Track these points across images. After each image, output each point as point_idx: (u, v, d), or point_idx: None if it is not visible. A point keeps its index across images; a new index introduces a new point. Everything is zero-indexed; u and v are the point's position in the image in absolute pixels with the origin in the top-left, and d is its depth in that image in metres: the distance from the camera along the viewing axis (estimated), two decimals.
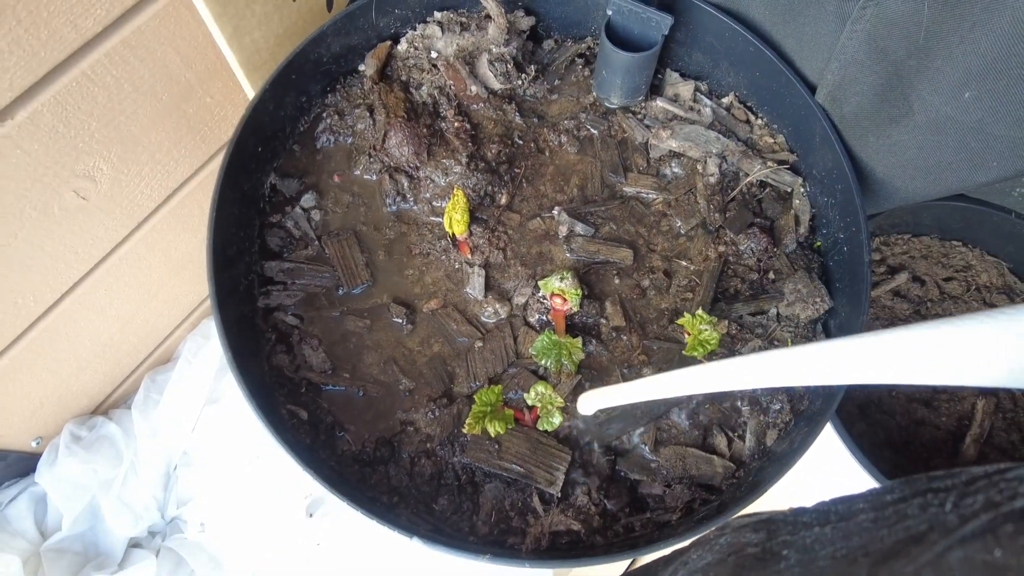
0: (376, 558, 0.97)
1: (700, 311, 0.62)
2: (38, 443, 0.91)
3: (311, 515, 0.99)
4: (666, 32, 0.69)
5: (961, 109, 0.54)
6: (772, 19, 0.69)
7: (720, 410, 0.63)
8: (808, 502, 0.34)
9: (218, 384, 1.00)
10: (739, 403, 0.63)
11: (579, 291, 0.64)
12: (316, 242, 0.70)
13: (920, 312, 0.85)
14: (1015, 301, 0.85)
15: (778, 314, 0.66)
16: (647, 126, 0.76)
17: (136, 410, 0.98)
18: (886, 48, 0.55)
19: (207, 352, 1.01)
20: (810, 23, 0.64)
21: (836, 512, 0.29)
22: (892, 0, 0.52)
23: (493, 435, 0.59)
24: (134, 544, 0.98)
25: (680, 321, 0.64)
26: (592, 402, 0.58)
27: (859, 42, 0.57)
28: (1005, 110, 0.52)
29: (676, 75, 0.79)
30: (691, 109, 0.77)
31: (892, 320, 0.85)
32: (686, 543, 0.42)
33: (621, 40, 0.72)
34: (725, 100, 0.78)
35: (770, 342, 0.65)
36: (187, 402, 0.98)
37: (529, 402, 0.61)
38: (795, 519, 0.31)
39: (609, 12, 0.71)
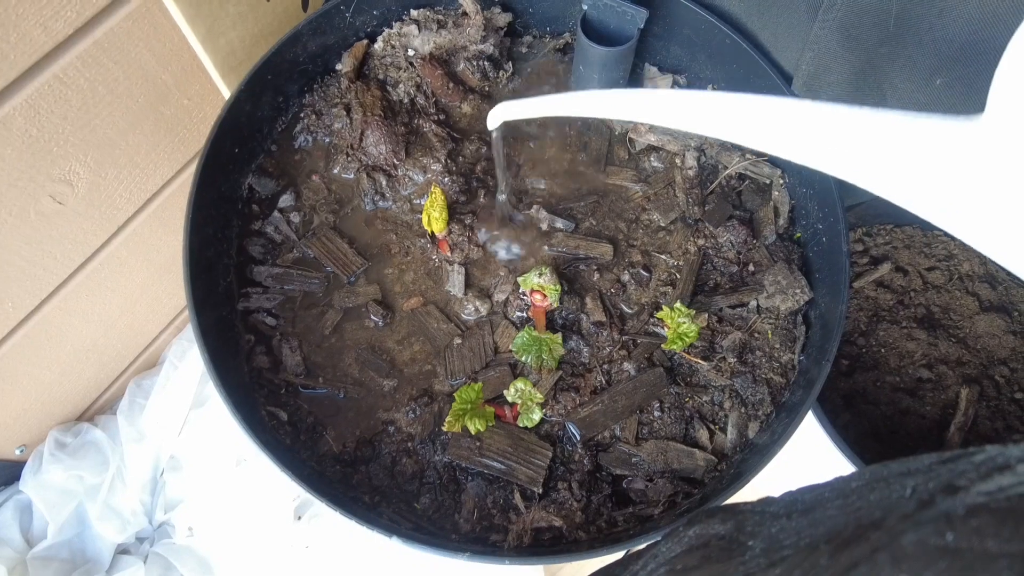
0: (365, 559, 0.97)
1: (678, 304, 0.62)
2: (22, 451, 0.91)
3: (299, 517, 0.99)
4: (642, 26, 0.69)
5: (933, 96, 0.54)
6: (747, 11, 0.69)
7: (702, 403, 0.63)
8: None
9: (204, 388, 1.00)
10: (720, 396, 0.63)
11: (558, 287, 0.64)
12: (299, 243, 0.70)
13: (903, 302, 0.86)
14: (996, 289, 0.85)
15: (758, 306, 0.66)
16: (627, 120, 0.76)
17: (122, 415, 0.97)
18: (858, 36, 0.55)
19: (192, 356, 1.00)
20: (784, 14, 0.64)
21: (802, 502, 0.29)
22: None
23: (474, 432, 0.59)
24: (122, 550, 0.98)
25: (659, 315, 0.64)
26: (501, 114, 0.56)
27: (831, 31, 0.57)
28: (976, 95, 0.52)
29: (654, 69, 0.79)
30: None
31: (876, 311, 0.85)
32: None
33: (597, 35, 0.72)
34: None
35: (750, 335, 0.64)
36: (173, 406, 0.98)
37: (509, 399, 0.61)
38: (762, 510, 0.30)
39: (585, 7, 0.71)
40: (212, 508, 0.97)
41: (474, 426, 0.59)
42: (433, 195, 0.66)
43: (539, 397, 0.60)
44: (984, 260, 0.87)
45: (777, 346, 0.64)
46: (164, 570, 0.97)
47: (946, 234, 0.89)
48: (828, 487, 0.29)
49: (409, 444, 0.62)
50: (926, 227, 0.90)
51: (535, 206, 0.72)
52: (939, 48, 0.51)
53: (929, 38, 0.51)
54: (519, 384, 0.60)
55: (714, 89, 0.78)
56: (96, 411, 1.00)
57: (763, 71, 0.70)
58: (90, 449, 0.96)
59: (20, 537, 0.91)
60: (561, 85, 0.80)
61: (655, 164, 0.74)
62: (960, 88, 0.52)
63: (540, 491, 0.58)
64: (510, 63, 0.79)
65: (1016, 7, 0.44)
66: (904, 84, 0.55)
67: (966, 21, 0.48)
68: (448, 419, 0.58)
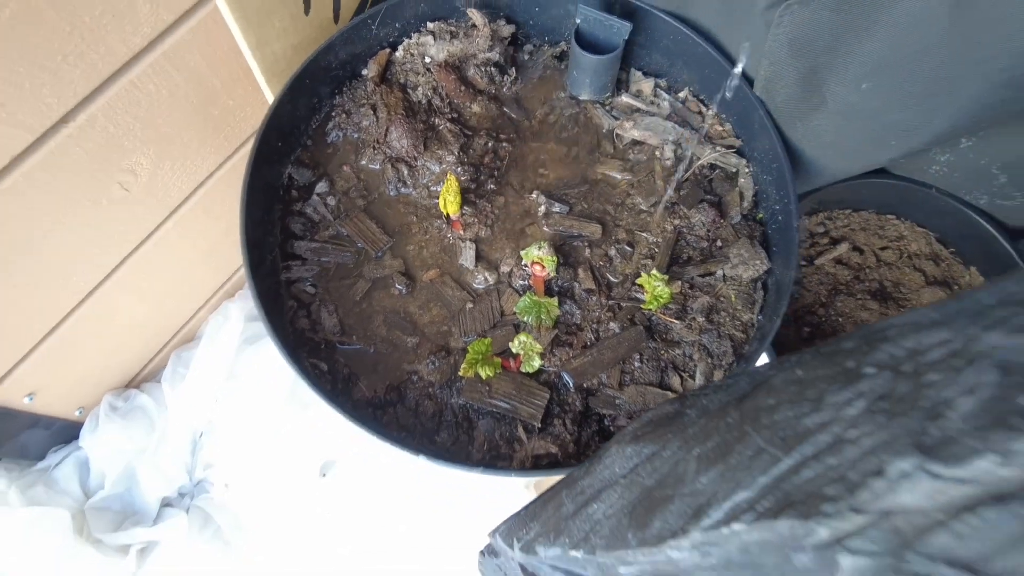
0: (383, 511, 1.09)
1: (655, 271, 0.74)
2: (81, 413, 1.02)
3: (324, 475, 1.10)
4: (626, 37, 0.81)
5: (862, 98, 0.66)
6: (716, 24, 0.81)
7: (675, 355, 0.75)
8: None
9: (238, 360, 1.11)
10: (690, 349, 0.74)
11: (555, 258, 0.75)
12: (334, 223, 0.82)
13: (859, 278, 0.97)
14: (940, 266, 0.97)
15: (724, 275, 0.77)
16: (615, 117, 0.88)
17: (166, 383, 1.09)
18: (802, 48, 0.67)
19: (227, 331, 1.12)
20: (745, 27, 0.75)
21: (725, 384, 0.41)
22: (802, 8, 0.64)
23: (484, 378, 0.71)
24: (166, 504, 1.09)
25: (639, 281, 0.75)
26: None
27: (781, 43, 0.69)
28: (895, 98, 0.64)
29: (639, 73, 0.91)
30: (652, 103, 0.88)
31: (834, 285, 0.97)
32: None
33: (589, 44, 0.84)
34: (681, 94, 0.90)
35: (717, 299, 0.76)
36: (210, 376, 1.09)
37: (513, 350, 0.73)
38: (699, 392, 0.42)
39: (578, 20, 0.83)
40: (246, 467, 1.08)
41: (484, 372, 0.70)
42: (448, 182, 0.78)
43: (539, 348, 0.72)
44: (930, 240, 0.99)
45: (739, 308, 0.76)
46: (204, 522, 1.08)
47: (897, 218, 1.01)
48: (745, 372, 0.41)
49: (430, 390, 0.74)
50: (881, 211, 1.01)
51: (536, 192, 0.83)
52: (863, 59, 0.63)
53: (856, 51, 0.63)
54: (522, 337, 0.72)
55: (691, 91, 0.90)
56: (143, 379, 1.12)
57: (730, 75, 0.81)
58: (138, 413, 1.07)
59: (79, 489, 1.02)
60: (558, 87, 0.91)
61: (638, 156, 0.86)
62: (882, 92, 0.64)
63: (539, 425, 0.70)
64: (513, 68, 0.90)
65: (916, 32, 0.56)
66: (839, 88, 0.67)
67: (880, 40, 0.59)
68: (463, 366, 0.70)
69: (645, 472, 0.38)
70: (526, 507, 0.49)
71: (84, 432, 1.02)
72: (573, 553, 0.38)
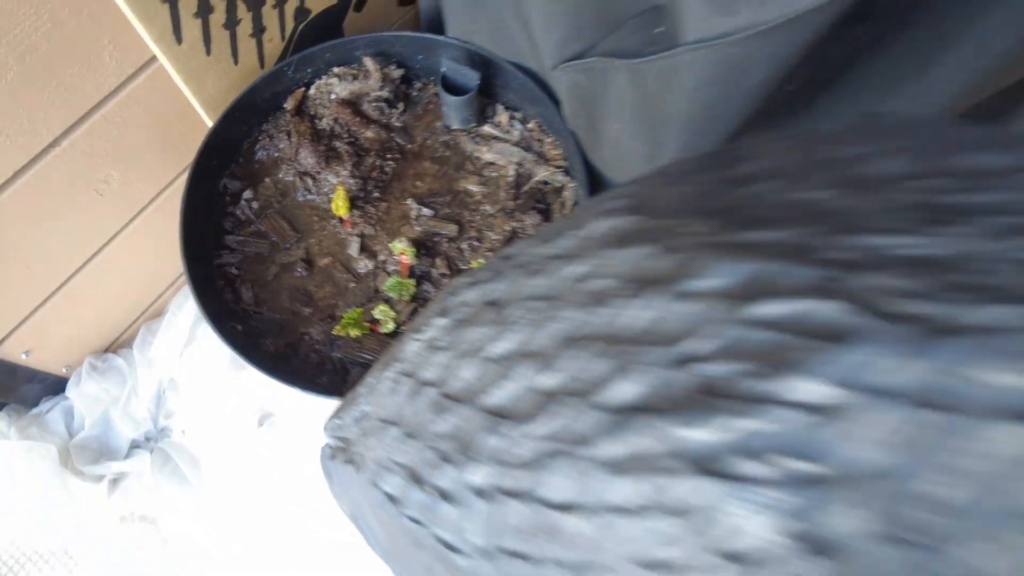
0: (305, 458, 1.35)
1: (481, 259, 1.00)
2: (67, 370, 1.29)
3: (261, 424, 1.37)
4: (477, 83, 1.07)
5: (619, 135, 0.92)
6: (540, 72, 1.07)
7: None
8: None
9: (195, 330, 1.38)
10: None
11: (414, 249, 1.01)
12: (256, 221, 1.08)
13: None
14: None
15: None
16: (476, 143, 1.14)
17: (136, 349, 1.35)
18: (576, 98, 0.93)
19: (188, 307, 1.38)
20: (555, 81, 1.01)
21: None
22: (570, 71, 0.89)
23: (355, 337, 0.97)
24: (134, 445, 1.36)
25: (471, 264, 1.01)
26: None
27: (567, 94, 0.94)
28: (636, 135, 0.89)
29: (501, 107, 1.17)
30: (507, 132, 1.14)
31: None
32: None
33: (455, 86, 1.10)
34: (530, 125, 1.15)
35: None
36: (173, 343, 1.35)
37: (376, 317, 0.99)
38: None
39: (443, 69, 1.09)
40: (200, 416, 1.35)
41: (354, 333, 0.96)
42: (339, 192, 1.04)
43: (393, 315, 0.98)
44: None
45: None
46: (164, 460, 1.34)
47: None
48: None
49: (317, 347, 1.00)
50: None
51: (411, 199, 1.09)
52: (607, 108, 0.88)
53: (603, 102, 0.89)
54: (382, 307, 0.98)
55: (537, 123, 1.16)
56: (118, 345, 1.38)
57: (557, 114, 1.07)
58: (114, 372, 1.34)
59: (65, 430, 1.28)
60: (437, 118, 1.17)
61: (491, 174, 1.12)
62: (628, 131, 0.90)
63: None
64: (402, 103, 1.16)
65: (623, 94, 0.82)
66: (604, 127, 0.92)
67: (611, 96, 0.85)
68: (337, 328, 0.96)
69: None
70: None
71: (69, 385, 1.28)
72: (336, 421, 0.64)
